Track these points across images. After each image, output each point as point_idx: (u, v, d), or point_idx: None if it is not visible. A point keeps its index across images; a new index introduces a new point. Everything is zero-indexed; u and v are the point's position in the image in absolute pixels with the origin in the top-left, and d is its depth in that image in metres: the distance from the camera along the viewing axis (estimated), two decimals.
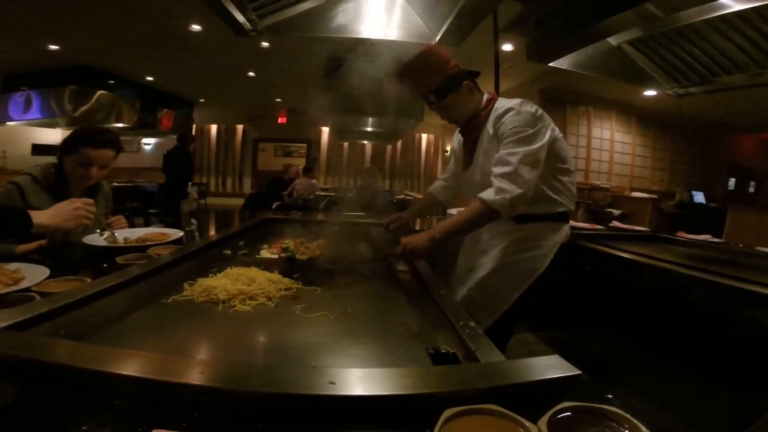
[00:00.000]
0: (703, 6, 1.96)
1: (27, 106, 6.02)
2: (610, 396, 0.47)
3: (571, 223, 1.46)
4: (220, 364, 0.53)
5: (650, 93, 3.82)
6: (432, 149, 10.07)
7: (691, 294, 1.69)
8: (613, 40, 2.48)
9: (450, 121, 1.51)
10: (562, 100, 5.96)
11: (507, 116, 1.31)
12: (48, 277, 0.88)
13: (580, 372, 0.49)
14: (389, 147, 9.95)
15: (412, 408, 0.44)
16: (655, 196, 5.96)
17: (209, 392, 0.44)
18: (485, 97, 1.44)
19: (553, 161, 1.37)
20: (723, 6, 1.93)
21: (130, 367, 0.48)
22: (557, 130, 1.40)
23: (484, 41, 2.80)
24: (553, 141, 1.35)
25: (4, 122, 6.30)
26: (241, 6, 1.97)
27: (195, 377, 0.46)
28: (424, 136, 10.21)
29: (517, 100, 1.35)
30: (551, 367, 0.51)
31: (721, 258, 2.17)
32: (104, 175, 1.55)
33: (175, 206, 2.04)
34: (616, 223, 3.73)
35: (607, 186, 6.27)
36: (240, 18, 2.03)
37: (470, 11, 1.98)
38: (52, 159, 1.52)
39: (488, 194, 1.25)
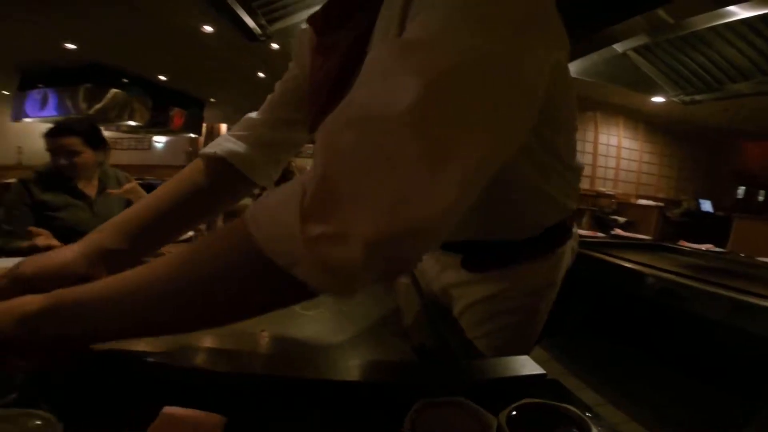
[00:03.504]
0: (710, 13, 1.99)
1: (43, 103, 6.19)
2: (572, 397, 0.53)
3: (576, 230, 0.79)
4: (225, 351, 0.59)
5: (657, 100, 3.83)
6: None
7: (685, 303, 1.72)
8: (618, 47, 2.51)
9: None
10: None
11: None
12: None
13: (544, 372, 0.54)
14: None
15: (388, 396, 0.50)
16: (661, 204, 5.95)
17: (213, 375, 0.51)
18: None
19: (556, 119, 0.59)
20: (729, 14, 1.96)
21: (144, 349, 0.55)
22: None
23: None
24: (561, 74, 0.55)
25: (21, 119, 6.47)
26: (251, 12, 2.05)
27: (202, 361, 0.52)
28: None
29: None
30: (520, 366, 0.56)
31: (719, 267, 2.19)
32: (84, 164, 1.58)
33: None
34: (617, 231, 3.75)
35: (613, 193, 6.27)
36: (250, 23, 2.12)
37: None
38: None
39: (270, 214, 0.34)
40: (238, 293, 0.37)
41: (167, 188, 0.71)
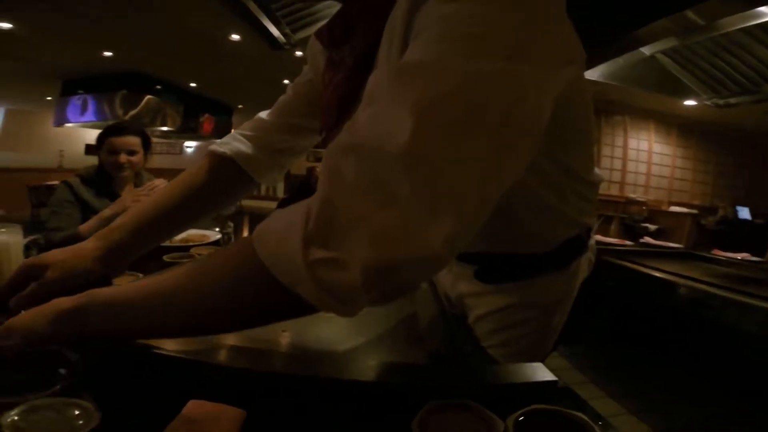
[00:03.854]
0: (742, 14, 1.92)
1: (83, 109, 6.56)
2: (584, 405, 0.53)
3: (599, 237, 0.79)
4: (247, 350, 0.62)
5: (690, 103, 3.69)
6: None
7: (716, 314, 1.66)
8: (646, 50, 2.44)
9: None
10: (596, 110, 5.78)
11: None
12: None
13: (556, 379, 0.55)
14: None
15: (399, 396, 0.52)
16: (695, 211, 5.71)
17: (237, 372, 0.54)
18: None
19: (568, 131, 0.58)
20: (762, 14, 1.88)
21: (174, 348, 0.59)
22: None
23: None
24: (577, 87, 0.54)
25: (63, 124, 6.86)
26: (275, 20, 2.12)
27: (226, 358, 0.56)
28: None
29: None
30: (532, 372, 0.57)
31: (754, 277, 2.09)
32: (138, 164, 1.68)
33: None
34: (648, 239, 3.63)
35: (644, 200, 6.05)
36: (275, 32, 2.19)
37: None
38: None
39: (273, 238, 0.36)
40: (245, 307, 0.42)
41: (175, 186, 0.75)
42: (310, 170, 6.50)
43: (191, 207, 0.75)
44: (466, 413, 0.47)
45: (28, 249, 1.32)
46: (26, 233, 1.43)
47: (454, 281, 0.84)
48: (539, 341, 0.78)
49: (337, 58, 0.57)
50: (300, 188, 6.44)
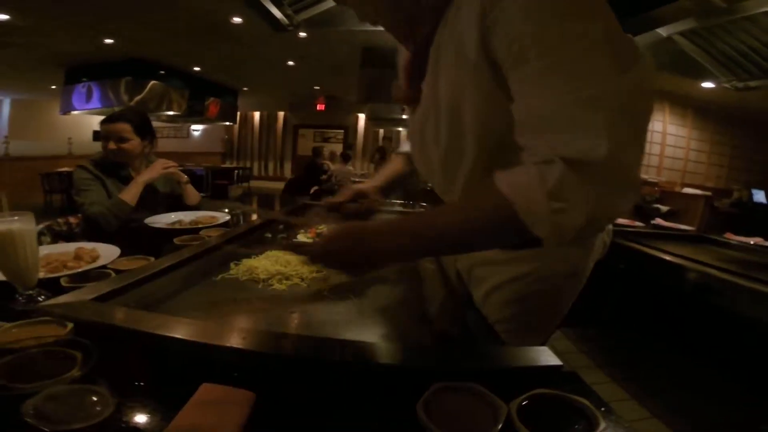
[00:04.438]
0: None
1: (88, 96, 6.57)
2: (588, 390, 0.53)
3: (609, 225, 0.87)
4: (257, 333, 0.64)
5: (707, 85, 3.57)
6: None
7: (726, 300, 1.64)
8: (663, 31, 2.36)
9: (372, 18, 0.71)
10: None
11: None
12: (119, 256, 1.04)
13: (561, 363, 0.55)
14: None
15: (406, 378, 0.53)
16: (708, 193, 5.58)
17: (247, 355, 0.55)
18: None
19: None
20: None
21: (185, 332, 0.60)
22: None
23: None
24: None
25: (69, 111, 6.90)
26: (277, 2, 2.08)
27: (236, 342, 0.57)
28: None
29: None
30: (537, 356, 0.57)
31: (766, 263, 2.06)
32: (131, 151, 1.68)
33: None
34: (659, 221, 3.58)
35: (656, 180, 5.95)
36: (277, 14, 2.15)
37: None
38: None
39: (524, 189, 0.51)
40: (492, 239, 0.60)
41: (391, 167, 1.18)
42: (316, 150, 6.44)
43: (397, 179, 1.17)
44: (471, 396, 0.48)
45: (42, 235, 1.35)
46: (40, 219, 1.46)
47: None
48: (547, 318, 0.84)
49: (406, 47, 0.75)
50: (306, 168, 6.43)
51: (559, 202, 0.48)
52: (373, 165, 7.30)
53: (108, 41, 5.28)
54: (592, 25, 0.49)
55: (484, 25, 0.54)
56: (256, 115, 11.32)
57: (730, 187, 6.20)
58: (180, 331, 0.60)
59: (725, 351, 1.90)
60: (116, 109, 6.56)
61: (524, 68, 0.51)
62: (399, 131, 9.71)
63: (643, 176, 6.04)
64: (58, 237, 1.44)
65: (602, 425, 0.43)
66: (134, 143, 1.68)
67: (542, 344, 0.74)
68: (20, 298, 0.76)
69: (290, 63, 6.22)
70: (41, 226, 1.38)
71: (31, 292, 0.77)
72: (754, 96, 3.24)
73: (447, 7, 0.62)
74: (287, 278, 1.01)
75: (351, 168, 6.54)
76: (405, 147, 1.15)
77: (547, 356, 0.57)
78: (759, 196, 5.76)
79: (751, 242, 2.49)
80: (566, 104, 0.49)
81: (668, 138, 6.36)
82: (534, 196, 0.49)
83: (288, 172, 11.02)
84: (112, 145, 1.64)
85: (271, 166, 11.44)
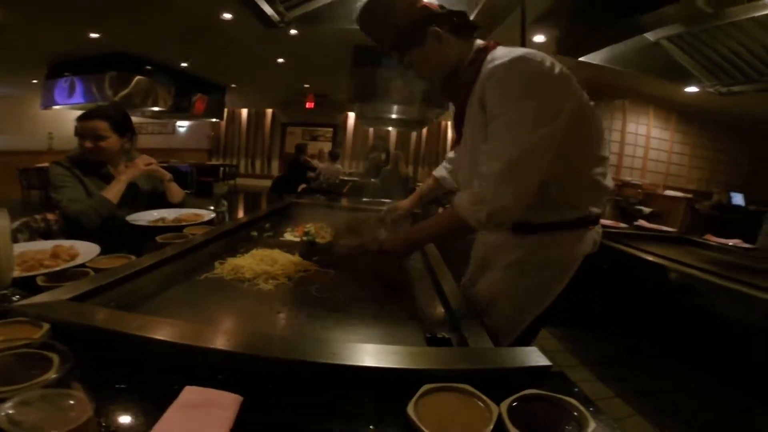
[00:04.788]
0: (752, 3, 1.89)
1: (71, 91, 6.38)
2: (576, 390, 0.53)
3: (600, 225, 1.11)
4: (242, 334, 0.62)
5: (691, 90, 3.65)
6: None
7: (706, 300, 1.67)
8: (650, 36, 2.40)
9: (428, 83, 1.11)
10: (597, 93, 5.76)
11: (499, 77, 0.88)
12: (99, 254, 1.01)
13: (550, 363, 0.55)
14: (414, 133, 9.93)
15: (395, 380, 0.52)
16: (689, 196, 5.73)
17: (233, 356, 0.54)
18: (476, 46, 1.01)
19: (578, 146, 0.96)
20: None
21: (168, 333, 0.58)
22: (585, 96, 0.96)
23: (516, 33, 2.77)
24: (580, 116, 0.92)
25: (51, 106, 6.69)
26: None
27: (221, 343, 0.55)
28: (450, 124, 10.15)
29: (520, 50, 0.90)
30: (527, 357, 0.57)
31: (745, 264, 2.11)
32: (108, 148, 1.60)
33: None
34: (642, 222, 3.64)
35: (639, 183, 6.07)
36: (268, 10, 2.11)
37: (495, 4, 1.98)
38: None
39: (461, 200, 0.92)
40: (456, 232, 0.97)
41: (427, 186, 1.62)
42: (299, 147, 6.34)
43: (429, 195, 1.62)
44: (462, 397, 0.48)
45: (19, 232, 1.30)
46: (17, 216, 1.41)
47: (492, 239, 1.16)
48: (540, 292, 1.06)
49: (455, 105, 1.09)
50: (291, 165, 6.33)
51: (476, 204, 0.89)
52: (366, 163, 7.28)
53: (93, 35, 5.13)
54: (528, 102, 0.85)
55: (482, 100, 0.93)
56: (244, 112, 11.18)
57: (711, 189, 6.36)
58: (162, 332, 0.58)
59: (707, 349, 1.95)
60: (100, 104, 6.41)
61: (491, 124, 0.91)
62: (389, 131, 9.73)
63: (627, 178, 6.16)
64: (35, 234, 1.39)
65: (592, 425, 0.42)
66: (112, 141, 1.60)
67: (536, 319, 1.07)
68: None
69: (280, 60, 6.15)
70: (17, 223, 1.33)
71: (5, 291, 0.74)
72: (736, 100, 3.32)
73: (474, 83, 0.97)
74: (273, 278, 0.99)
75: (339, 166, 6.49)
76: (438, 172, 1.58)
77: (536, 356, 0.57)
78: (737, 198, 5.93)
79: (730, 243, 2.56)
80: (488, 151, 0.90)
81: (652, 141, 6.50)
82: (467, 205, 0.90)
83: (275, 170, 10.91)
84: (88, 144, 1.56)
85: (258, 163, 11.32)
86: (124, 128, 1.66)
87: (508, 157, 0.85)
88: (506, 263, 1.09)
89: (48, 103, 6.68)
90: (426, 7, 0.99)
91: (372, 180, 5.26)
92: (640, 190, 5.86)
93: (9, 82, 7.83)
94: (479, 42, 1.02)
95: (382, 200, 2.46)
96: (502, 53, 0.92)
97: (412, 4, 0.99)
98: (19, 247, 0.99)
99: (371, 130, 10.07)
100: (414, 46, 1.00)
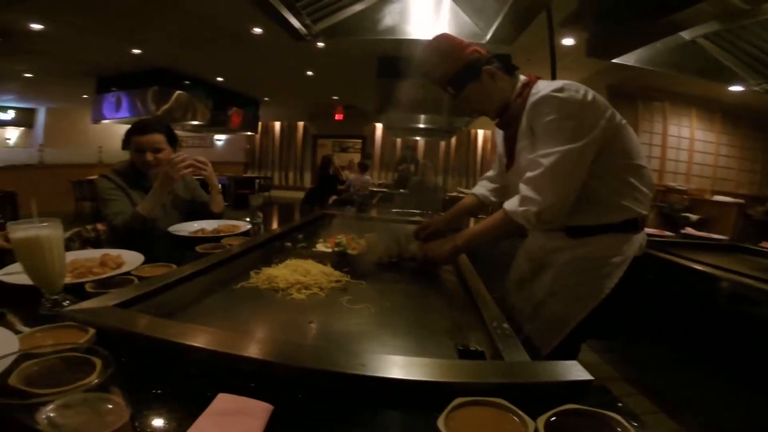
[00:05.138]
0: None
1: (118, 105, 6.79)
2: (620, 405, 0.50)
3: (645, 230, 1.19)
4: (276, 343, 0.63)
5: (736, 89, 3.44)
6: (489, 145, 9.84)
7: (762, 310, 1.55)
8: (686, 35, 2.29)
9: (480, 115, 1.32)
10: (632, 95, 5.54)
11: (542, 105, 1.07)
12: (143, 263, 1.06)
13: (591, 378, 0.52)
14: (443, 143, 9.88)
15: (426, 392, 0.50)
16: (741, 201, 5.34)
17: (264, 365, 0.55)
18: (521, 81, 1.20)
19: (616, 157, 1.11)
20: None
21: (204, 340, 0.60)
22: (618, 117, 1.12)
23: (544, 36, 2.71)
24: (613, 132, 1.09)
25: (100, 120, 7.14)
26: (295, 12, 2.11)
27: (254, 352, 0.56)
28: (481, 132, 10.01)
29: (558, 83, 1.09)
30: (566, 371, 0.55)
31: None
32: (165, 160, 1.63)
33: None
34: (689, 230, 3.44)
35: (685, 188, 5.73)
36: (296, 23, 2.18)
37: (521, 9, 1.94)
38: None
39: (512, 204, 1.09)
40: (505, 233, 1.17)
41: (463, 204, 1.63)
42: (326, 159, 6.44)
43: (463, 214, 1.67)
44: (495, 412, 0.46)
45: (71, 241, 1.38)
46: (70, 226, 1.50)
47: (548, 242, 1.25)
48: (587, 295, 1.13)
49: (505, 135, 1.27)
50: (320, 177, 6.48)
51: (524, 205, 1.05)
52: (394, 174, 7.35)
53: (136, 51, 5.47)
54: (566, 122, 1.04)
55: (531, 126, 1.12)
56: (277, 125, 11.53)
57: (765, 193, 5.92)
58: (198, 339, 0.60)
59: (760, 363, 1.79)
60: (144, 117, 6.78)
61: (537, 140, 1.09)
62: (417, 140, 9.73)
63: (671, 183, 5.83)
64: (86, 243, 1.48)
65: None
66: (166, 153, 1.67)
67: (579, 327, 1.12)
68: (46, 303, 0.77)
69: (309, 73, 6.32)
70: (70, 232, 1.42)
71: (56, 296, 0.78)
72: None
73: (521, 114, 1.15)
74: (306, 288, 1.00)
75: (368, 178, 6.54)
76: (478, 190, 1.61)
77: (576, 370, 0.54)
78: None
79: None
80: (533, 160, 1.07)
81: (696, 144, 6.14)
82: (516, 207, 1.08)
83: (308, 181, 11.14)
84: (149, 157, 1.63)
85: (291, 175, 11.60)
86: (174, 139, 1.74)
87: (551, 163, 1.02)
88: (561, 263, 1.19)
89: (98, 117, 7.12)
90: (476, 50, 1.21)
91: (401, 191, 5.26)
92: (685, 196, 5.53)
93: (62, 96, 8.42)
94: (522, 78, 1.21)
95: (412, 211, 2.45)
96: (543, 86, 1.12)
97: (461, 48, 1.20)
98: (71, 255, 1.06)
99: (399, 140, 10.11)
100: (470, 82, 1.19)
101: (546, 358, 0.65)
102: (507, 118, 1.22)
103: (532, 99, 1.10)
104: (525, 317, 1.16)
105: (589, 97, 1.06)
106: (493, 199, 1.59)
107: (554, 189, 1.03)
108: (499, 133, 1.36)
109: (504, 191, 1.56)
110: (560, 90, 1.05)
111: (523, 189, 1.06)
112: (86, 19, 4.31)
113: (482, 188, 1.60)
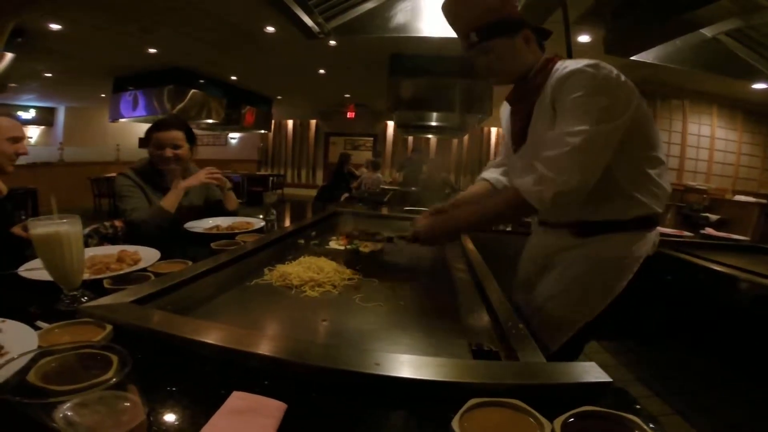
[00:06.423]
0: None
1: (134, 104, 6.91)
2: (638, 407, 0.49)
3: (658, 228, 1.13)
4: (287, 341, 0.63)
5: (759, 86, 3.34)
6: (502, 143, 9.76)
7: None
8: (707, 32, 2.23)
9: (492, 78, 1.14)
10: (651, 93, 5.40)
11: (572, 79, 0.95)
12: (159, 259, 1.07)
13: (610, 380, 0.51)
14: (455, 141, 9.81)
15: (441, 393, 0.50)
16: (763, 201, 5.18)
17: (278, 363, 0.55)
18: (543, 57, 1.10)
19: (638, 147, 1.02)
20: None
21: (219, 337, 0.60)
22: (645, 104, 1.03)
23: (560, 32, 2.65)
24: (640, 119, 1.00)
25: (118, 119, 7.28)
26: (308, 10, 2.12)
27: (267, 349, 0.57)
28: (494, 130, 9.91)
29: (588, 60, 0.97)
30: (584, 372, 0.53)
31: None
32: (184, 157, 1.69)
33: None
34: (709, 231, 3.36)
35: (705, 187, 5.58)
36: (308, 21, 2.19)
37: (535, 4, 1.91)
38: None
39: (526, 182, 0.97)
40: (510, 215, 1.21)
41: (473, 191, 1.44)
42: (343, 156, 6.49)
43: (473, 199, 1.42)
44: (511, 413, 0.45)
45: (89, 237, 1.41)
46: (89, 222, 1.53)
47: (553, 241, 1.18)
48: (595, 296, 1.07)
49: (515, 110, 1.19)
50: (334, 175, 6.51)
51: (540, 184, 0.94)
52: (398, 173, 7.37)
53: (151, 50, 5.56)
54: (598, 98, 0.93)
55: (554, 101, 1.00)
56: (290, 123, 11.60)
57: None
58: (213, 336, 0.60)
59: None
60: (160, 116, 6.89)
61: (560, 115, 0.98)
62: (428, 138, 9.68)
63: (690, 183, 5.69)
64: (104, 239, 1.51)
65: None
66: (186, 149, 1.71)
67: (586, 326, 1.08)
68: (64, 299, 0.79)
69: (321, 71, 6.33)
70: (88, 229, 1.45)
71: (75, 292, 0.80)
72: None
73: (542, 87, 1.04)
74: (319, 285, 1.00)
75: (380, 175, 6.54)
76: (486, 174, 1.47)
77: (595, 372, 0.53)
78: None
79: None
80: (555, 137, 0.96)
81: (717, 143, 5.97)
82: (530, 187, 0.96)
83: (320, 179, 11.19)
84: (169, 153, 1.66)
85: (303, 173, 11.67)
86: (192, 138, 1.77)
87: (578, 143, 0.91)
88: (569, 262, 1.12)
89: (115, 116, 7.26)
90: (520, 13, 1.13)
91: (412, 189, 5.24)
92: (705, 196, 5.37)
93: (81, 95, 8.61)
94: (547, 55, 1.13)
95: (422, 209, 2.44)
96: (572, 62, 1.01)
97: (514, 3, 1.11)
98: (89, 252, 1.08)
99: (410, 138, 10.08)
100: (503, 35, 1.05)
101: (549, 358, 0.65)
102: (523, 89, 1.11)
103: (557, 73, 1.00)
104: (529, 316, 1.10)
105: (623, 78, 0.97)
106: (505, 182, 1.42)
107: (579, 170, 0.92)
108: (506, 110, 1.27)
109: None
110: (594, 66, 0.95)
111: (541, 168, 0.94)
112: (102, 18, 4.39)
113: (492, 173, 1.45)
